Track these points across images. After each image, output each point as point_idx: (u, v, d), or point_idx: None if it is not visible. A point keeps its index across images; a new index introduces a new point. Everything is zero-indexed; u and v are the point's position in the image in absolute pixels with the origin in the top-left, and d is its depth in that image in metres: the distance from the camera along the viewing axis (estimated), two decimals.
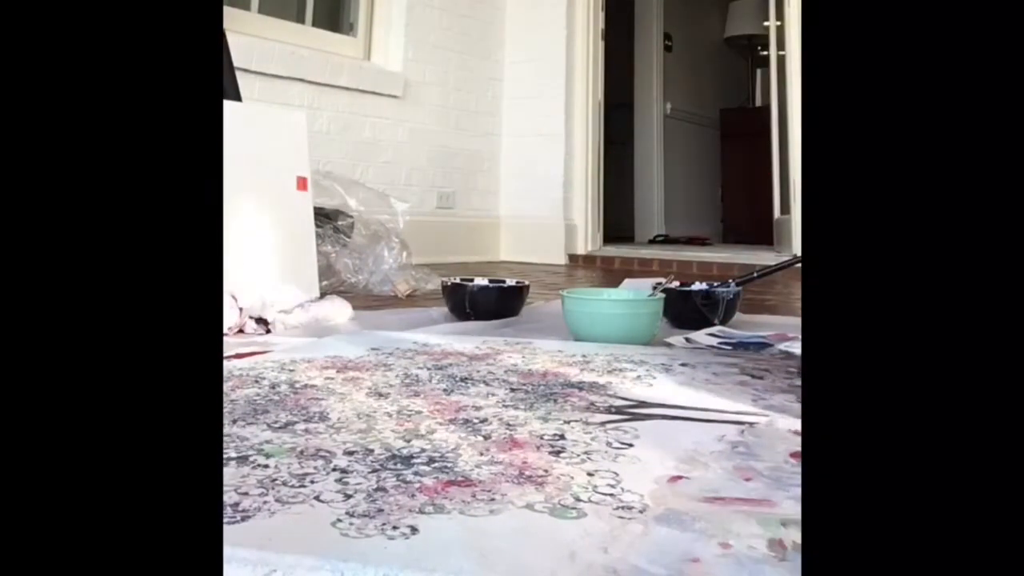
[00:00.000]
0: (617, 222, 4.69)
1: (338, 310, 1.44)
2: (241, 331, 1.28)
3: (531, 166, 3.61)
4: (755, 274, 1.65)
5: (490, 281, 1.61)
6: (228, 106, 1.59)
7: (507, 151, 3.67)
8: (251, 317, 1.31)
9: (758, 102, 5.71)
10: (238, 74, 2.20)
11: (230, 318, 1.26)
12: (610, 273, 3.09)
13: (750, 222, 4.95)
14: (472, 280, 1.58)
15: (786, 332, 1.31)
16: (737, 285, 1.47)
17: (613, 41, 3.96)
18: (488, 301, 1.50)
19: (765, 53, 5.13)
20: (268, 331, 1.29)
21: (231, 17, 2.65)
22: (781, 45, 3.60)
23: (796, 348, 1.19)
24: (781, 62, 3.63)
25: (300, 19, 3.04)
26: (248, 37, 2.69)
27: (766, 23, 4.39)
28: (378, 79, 3.11)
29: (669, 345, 1.22)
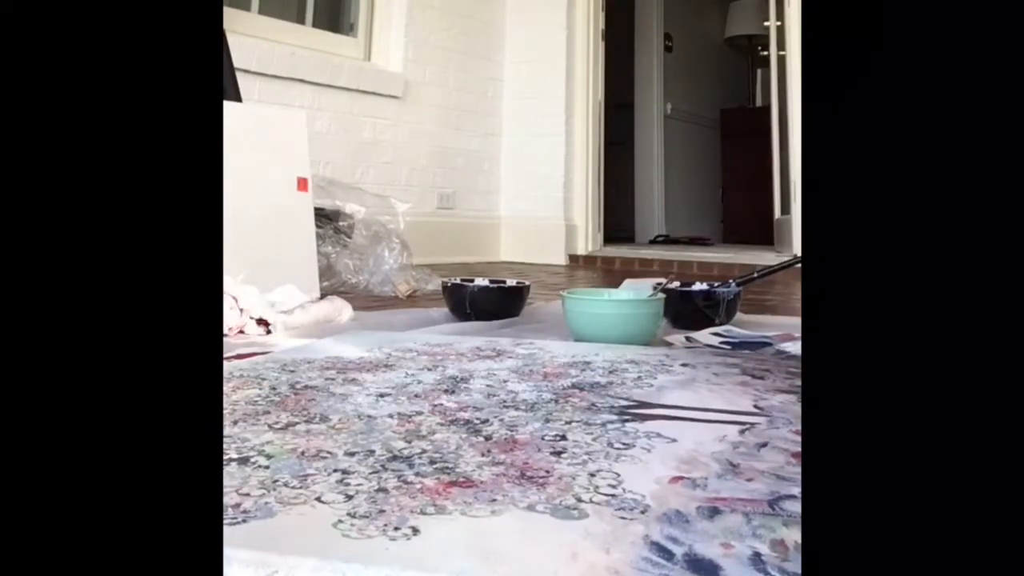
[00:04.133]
0: (618, 222, 4.69)
1: (339, 311, 1.43)
2: (242, 332, 1.27)
3: (531, 166, 3.61)
4: (755, 274, 1.65)
5: (491, 281, 1.60)
6: (228, 107, 1.59)
7: (507, 151, 3.67)
8: (252, 318, 1.30)
9: (758, 102, 5.71)
10: (238, 75, 2.20)
11: (231, 319, 1.26)
12: (611, 273, 3.09)
13: (750, 222, 4.95)
14: (472, 280, 1.58)
15: (792, 332, 1.31)
16: (738, 285, 1.47)
17: (613, 41, 3.96)
18: (489, 301, 1.50)
19: (765, 53, 5.13)
20: (269, 332, 1.29)
21: (231, 18, 2.65)
22: (781, 45, 3.60)
23: (795, 348, 1.18)
24: (781, 62, 3.63)
25: (300, 20, 3.04)
26: (248, 38, 2.69)
27: (766, 23, 4.39)
28: (378, 80, 3.11)
29: (669, 345, 1.22)
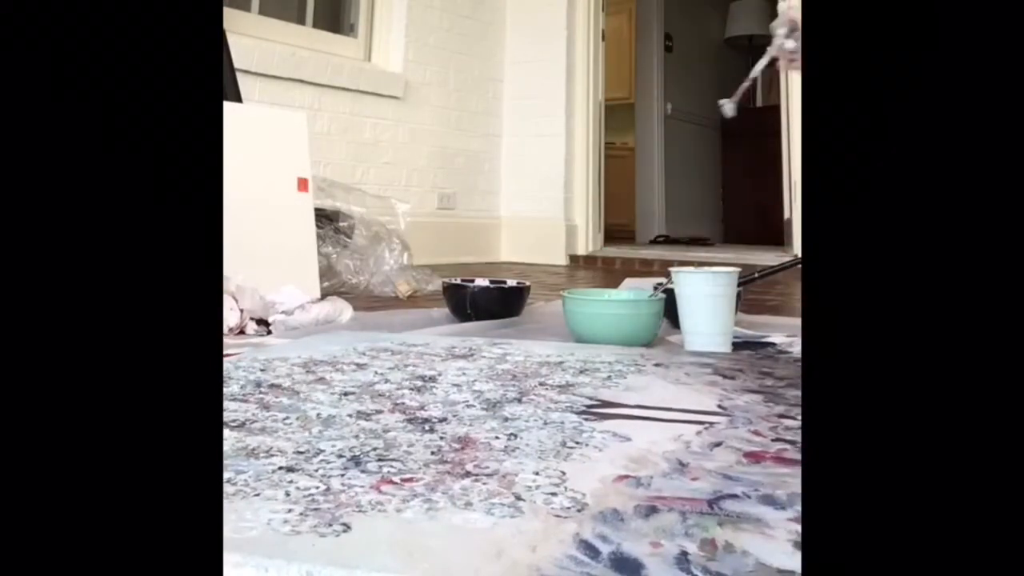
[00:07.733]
0: (618, 223, 4.68)
1: (339, 311, 1.44)
2: (242, 332, 1.28)
3: (532, 166, 3.61)
4: (756, 275, 1.64)
5: (491, 282, 1.61)
6: (229, 107, 1.60)
7: (508, 151, 3.67)
8: (252, 318, 1.31)
9: (758, 102, 5.68)
10: (239, 76, 2.22)
11: (231, 319, 1.27)
12: (611, 273, 3.09)
13: (751, 222, 4.94)
14: (473, 281, 1.58)
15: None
16: (738, 286, 1.47)
17: (613, 41, 3.96)
18: (489, 302, 1.50)
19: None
20: (269, 332, 1.30)
21: (231, 18, 2.67)
22: None
23: (794, 347, 1.18)
24: None
25: (300, 20, 3.05)
26: (249, 38, 2.70)
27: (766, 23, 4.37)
28: (378, 80, 3.12)
29: (669, 345, 1.22)
